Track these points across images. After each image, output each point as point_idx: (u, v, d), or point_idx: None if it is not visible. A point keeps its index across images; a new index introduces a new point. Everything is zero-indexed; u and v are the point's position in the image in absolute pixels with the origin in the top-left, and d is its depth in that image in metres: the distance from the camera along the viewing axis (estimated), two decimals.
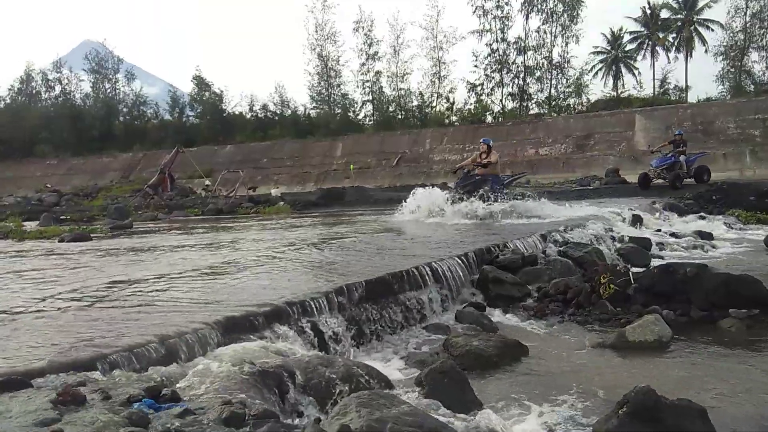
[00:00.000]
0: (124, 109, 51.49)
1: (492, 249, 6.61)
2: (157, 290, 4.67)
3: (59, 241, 10.00)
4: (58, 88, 53.36)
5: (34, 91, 54.19)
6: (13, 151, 46.31)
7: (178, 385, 2.70)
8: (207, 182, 32.32)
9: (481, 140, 13.27)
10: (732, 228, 11.18)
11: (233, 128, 45.23)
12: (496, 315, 5.31)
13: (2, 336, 3.38)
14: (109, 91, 51.88)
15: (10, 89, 54.23)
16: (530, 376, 3.72)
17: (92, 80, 52.27)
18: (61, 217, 17.37)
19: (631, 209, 11.29)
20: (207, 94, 48.02)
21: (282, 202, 21.06)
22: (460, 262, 5.90)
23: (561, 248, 7.43)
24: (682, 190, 16.17)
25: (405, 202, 12.01)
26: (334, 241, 7.83)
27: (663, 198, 14.45)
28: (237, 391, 2.59)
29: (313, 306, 4.09)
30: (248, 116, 47.32)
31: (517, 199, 11.42)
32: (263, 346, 3.40)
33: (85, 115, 49.59)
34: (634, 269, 6.05)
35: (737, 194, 13.77)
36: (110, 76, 51.89)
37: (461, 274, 5.76)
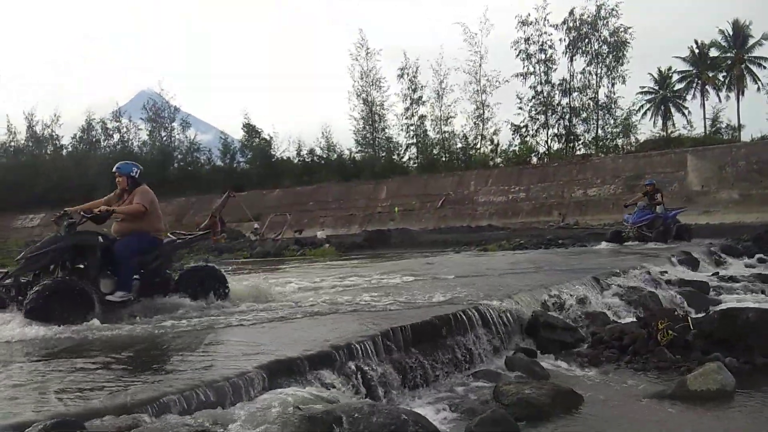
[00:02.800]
0: (179, 156, 53.45)
1: (543, 292, 6.45)
2: (202, 332, 4.72)
3: None
4: (116, 136, 56.00)
5: (94, 140, 56.97)
6: (76, 197, 48.40)
7: (225, 430, 2.70)
8: (255, 225, 32.97)
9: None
10: None
11: (281, 173, 46.32)
12: (548, 362, 5.14)
13: (56, 376, 3.46)
14: (165, 138, 54.09)
15: (72, 137, 57.19)
16: (586, 427, 3.56)
17: (149, 129, 54.66)
18: None
19: (688, 251, 10.91)
20: (256, 140, 49.52)
21: (327, 245, 21.27)
22: (509, 305, 5.77)
23: (616, 291, 7.21)
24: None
25: None
26: (379, 284, 7.80)
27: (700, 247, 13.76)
28: None
29: (359, 350, 4.05)
30: (295, 161, 48.45)
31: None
32: (309, 391, 3.37)
33: (142, 162, 51.54)
34: (693, 314, 5.80)
35: None
36: (166, 125, 54.17)
37: (511, 318, 5.62)
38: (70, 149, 56.98)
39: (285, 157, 48.98)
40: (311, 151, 48.11)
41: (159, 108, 54.04)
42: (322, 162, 47.11)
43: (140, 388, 3.15)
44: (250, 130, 49.94)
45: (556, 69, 41.99)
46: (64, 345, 4.48)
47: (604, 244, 14.79)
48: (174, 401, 2.98)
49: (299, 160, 48.37)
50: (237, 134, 53.24)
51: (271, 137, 49.59)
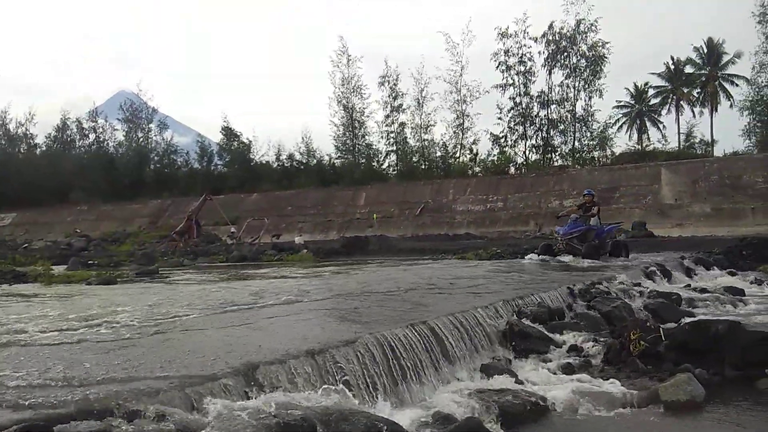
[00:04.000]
0: (155, 158, 52.87)
1: (518, 301, 6.50)
2: (179, 337, 4.67)
3: (86, 285, 10.14)
4: (92, 136, 55.22)
5: (69, 139, 56.09)
6: (49, 197, 47.65)
7: None
8: (232, 229, 32.71)
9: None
10: (764, 284, 10.88)
11: (260, 177, 46.08)
12: (523, 369, 5.18)
13: (24, 381, 3.39)
14: (141, 140, 53.46)
15: (47, 137, 56.24)
16: None
17: (126, 129, 54.00)
18: (89, 262, 17.65)
19: (660, 264, 11.09)
20: (235, 143, 49.22)
21: (305, 250, 21.16)
22: (485, 314, 5.81)
23: (588, 302, 7.29)
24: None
25: None
26: (357, 290, 7.79)
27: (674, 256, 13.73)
28: None
29: (336, 356, 4.04)
30: (275, 165, 48.24)
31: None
32: (285, 397, 3.36)
33: (117, 163, 51.06)
34: (665, 325, 5.89)
35: None
36: (143, 126, 53.57)
37: (486, 326, 5.66)
38: (44, 148, 56.00)
39: (264, 161, 48.77)
40: (291, 156, 47.99)
41: (136, 109, 53.43)
42: (302, 167, 46.99)
43: (111, 391, 3.10)
44: (229, 133, 49.64)
45: (534, 81, 42.53)
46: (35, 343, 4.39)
47: (531, 258, 13.42)
48: (146, 406, 2.93)
49: (278, 165, 48.17)
50: (216, 137, 52.93)
51: (250, 141, 49.39)
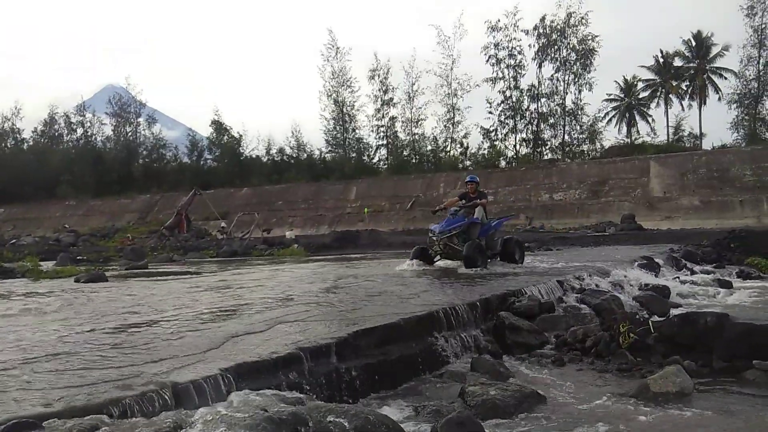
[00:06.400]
0: (144, 152, 52.55)
1: (508, 295, 6.52)
2: (169, 333, 4.65)
3: (75, 281, 10.06)
4: (80, 131, 54.82)
5: (56, 134, 55.60)
6: (36, 192, 47.27)
7: None
8: (222, 224, 32.61)
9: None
10: (751, 276, 10.98)
11: (250, 171, 45.93)
12: (513, 363, 5.20)
13: (15, 378, 3.36)
14: (130, 134, 53.10)
15: (33, 131, 55.70)
16: (549, 427, 3.61)
17: (114, 124, 53.60)
18: (78, 257, 17.53)
19: (649, 256, 11.15)
20: (225, 138, 49.00)
21: (296, 245, 21.13)
22: (475, 308, 5.82)
23: (578, 295, 7.33)
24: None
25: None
26: (347, 285, 7.78)
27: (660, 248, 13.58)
28: None
29: (327, 352, 4.04)
30: (265, 159, 48.12)
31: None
32: (275, 393, 3.34)
33: (105, 157, 50.71)
34: (654, 318, 5.93)
35: (756, 242, 13.56)
36: (132, 120, 53.20)
37: (476, 320, 5.67)
38: (31, 143, 55.47)
39: (254, 156, 48.63)
40: (281, 150, 47.89)
41: (125, 103, 53.02)
42: (292, 161, 46.88)
43: (101, 388, 3.08)
44: (219, 127, 49.38)
45: (524, 74, 42.63)
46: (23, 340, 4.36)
47: (406, 265, 10.23)
48: (136, 403, 2.92)
49: (269, 159, 48.04)
50: (205, 131, 52.67)
51: (240, 135, 49.18)
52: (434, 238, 10.23)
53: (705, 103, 44.95)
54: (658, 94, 47.33)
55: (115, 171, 48.89)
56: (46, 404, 2.83)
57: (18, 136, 56.25)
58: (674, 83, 46.26)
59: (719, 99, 43.83)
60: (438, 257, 10.37)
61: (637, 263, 10.38)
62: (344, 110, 45.95)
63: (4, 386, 3.17)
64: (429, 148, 45.09)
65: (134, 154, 51.71)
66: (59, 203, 46.55)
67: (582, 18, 40.46)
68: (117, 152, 51.22)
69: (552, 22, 41.18)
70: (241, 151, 48.61)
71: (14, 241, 32.94)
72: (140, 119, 53.45)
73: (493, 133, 43.43)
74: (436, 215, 11.19)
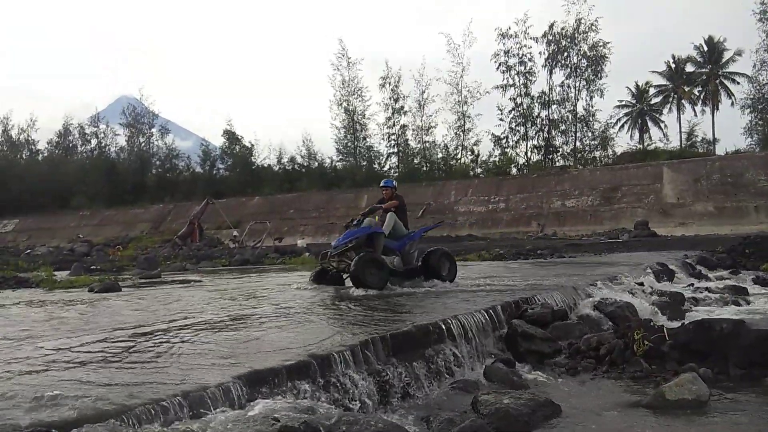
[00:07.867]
0: (157, 162, 53.02)
1: (520, 303, 6.49)
2: (181, 341, 4.66)
3: (89, 291, 10.12)
4: (94, 142, 55.48)
5: (71, 145, 56.30)
6: (51, 202, 47.84)
7: None
8: (234, 233, 32.78)
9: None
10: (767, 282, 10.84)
11: (262, 180, 46.22)
12: (526, 371, 5.16)
13: (30, 386, 3.39)
14: (143, 144, 53.64)
15: (48, 143, 56.45)
16: None
17: (127, 134, 54.20)
18: (92, 267, 17.67)
19: (663, 263, 11.06)
20: (237, 147, 49.39)
21: (308, 253, 21.15)
22: (487, 316, 5.80)
23: (591, 301, 7.28)
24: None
25: None
26: (357, 294, 7.76)
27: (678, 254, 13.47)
28: None
29: (338, 360, 4.03)
30: (276, 168, 48.41)
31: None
32: (287, 402, 3.35)
33: (119, 168, 51.26)
34: (668, 325, 5.87)
35: None
36: (145, 131, 53.76)
37: (489, 328, 5.64)
38: (46, 154, 56.20)
39: (266, 165, 48.94)
40: (292, 159, 48.17)
41: (138, 114, 53.61)
42: (303, 170, 47.11)
43: (116, 396, 3.10)
44: (231, 136, 49.78)
45: (535, 81, 42.61)
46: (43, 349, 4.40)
47: (307, 286, 8.75)
48: (151, 411, 2.93)
49: (280, 168, 48.35)
50: (217, 141, 53.09)
51: (252, 144, 49.55)
52: (331, 253, 8.46)
53: (718, 109, 44.65)
54: (671, 99, 47.04)
55: (129, 181, 49.39)
56: (64, 412, 2.85)
57: (33, 147, 57.06)
58: (686, 89, 45.97)
59: (732, 104, 43.55)
60: (336, 275, 8.62)
61: (650, 269, 10.29)
62: (355, 119, 46.17)
63: (20, 395, 3.19)
64: (440, 155, 45.19)
65: (147, 164, 52.21)
66: (73, 213, 47.02)
67: (592, 24, 40.43)
68: (130, 163, 51.75)
69: (562, 29, 41.17)
70: (253, 160, 48.99)
71: (29, 251, 33.28)
72: (153, 130, 54.06)
73: (504, 140, 43.44)
74: (347, 228, 8.60)
